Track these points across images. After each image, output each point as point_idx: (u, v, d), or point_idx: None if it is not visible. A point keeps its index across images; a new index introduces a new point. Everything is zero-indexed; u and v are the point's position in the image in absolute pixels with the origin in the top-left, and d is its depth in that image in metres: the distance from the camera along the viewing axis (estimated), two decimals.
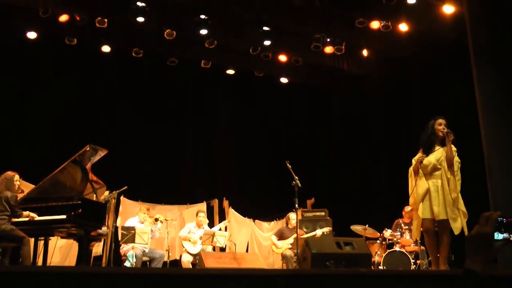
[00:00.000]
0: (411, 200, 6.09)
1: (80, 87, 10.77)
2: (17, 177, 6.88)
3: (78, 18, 9.71)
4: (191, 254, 9.14)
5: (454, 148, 5.88)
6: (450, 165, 5.84)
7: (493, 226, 1.74)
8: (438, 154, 5.88)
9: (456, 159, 5.88)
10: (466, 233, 5.73)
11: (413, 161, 6.08)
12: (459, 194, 5.84)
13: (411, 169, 6.10)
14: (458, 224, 5.78)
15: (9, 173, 6.83)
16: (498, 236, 1.77)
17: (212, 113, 12.76)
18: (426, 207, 5.86)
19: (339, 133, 12.84)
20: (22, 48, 10.14)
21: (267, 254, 10.92)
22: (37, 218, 6.67)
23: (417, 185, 5.94)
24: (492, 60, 6.53)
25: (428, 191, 5.87)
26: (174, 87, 12.09)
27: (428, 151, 5.94)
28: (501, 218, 1.78)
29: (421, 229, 6.02)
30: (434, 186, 5.87)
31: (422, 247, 8.12)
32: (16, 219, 6.61)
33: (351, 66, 11.73)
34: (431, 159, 5.88)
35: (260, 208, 11.65)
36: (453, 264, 7.76)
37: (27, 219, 6.64)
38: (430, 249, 6.10)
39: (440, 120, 6.01)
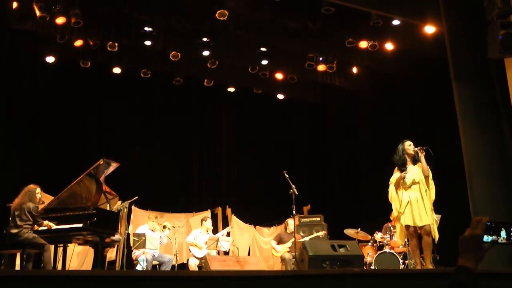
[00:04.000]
0: (395, 211, 6.40)
1: (93, 105, 10.82)
2: (38, 189, 6.88)
3: (91, 43, 9.77)
4: (197, 258, 9.13)
5: None
6: (426, 176, 6.24)
7: (483, 229, 1.82)
8: (414, 173, 6.28)
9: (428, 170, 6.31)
10: (436, 238, 6.18)
11: (392, 181, 6.43)
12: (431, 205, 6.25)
13: (392, 187, 6.43)
14: (434, 231, 6.19)
15: (32, 186, 6.83)
16: (488, 238, 1.85)
17: (216, 128, 12.78)
18: (408, 216, 6.17)
19: (333, 144, 12.85)
20: (42, 71, 10.24)
21: (267, 257, 10.89)
22: (56, 226, 6.69)
23: (399, 197, 6.31)
24: (470, 74, 6.60)
25: (409, 202, 6.20)
26: (180, 104, 12.12)
27: (403, 169, 6.34)
28: (489, 223, 1.86)
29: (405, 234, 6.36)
30: (414, 197, 6.20)
31: (410, 248, 8.14)
32: (38, 228, 6.64)
33: (343, 82, 11.79)
34: (409, 177, 6.27)
35: (260, 214, 11.63)
36: (438, 263, 7.79)
37: (46, 227, 6.67)
38: (415, 251, 6.34)
39: (408, 142, 6.45)
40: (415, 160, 6.33)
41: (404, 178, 6.25)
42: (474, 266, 1.76)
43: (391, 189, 6.42)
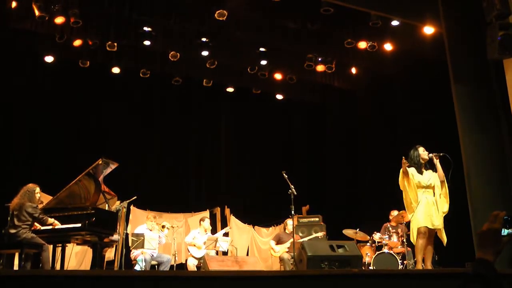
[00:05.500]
0: (409, 210, 6.57)
1: (92, 105, 10.81)
2: (37, 189, 6.83)
3: (90, 43, 9.78)
4: (196, 258, 9.12)
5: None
6: (442, 181, 6.55)
7: (501, 223, 1.88)
8: (430, 176, 6.56)
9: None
10: (444, 241, 6.44)
11: (403, 172, 6.55)
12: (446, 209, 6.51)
13: (403, 178, 6.54)
14: (443, 233, 6.46)
15: (31, 185, 6.78)
16: (505, 232, 1.90)
17: (215, 128, 12.79)
18: (427, 217, 6.37)
19: (332, 145, 12.85)
20: (41, 70, 10.25)
21: (266, 257, 10.89)
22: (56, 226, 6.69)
23: (415, 198, 6.48)
24: (469, 74, 6.59)
25: (426, 204, 6.42)
26: (179, 104, 12.12)
27: (420, 171, 6.59)
28: (507, 217, 1.91)
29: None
30: (431, 200, 6.46)
31: (409, 248, 8.17)
32: (39, 227, 6.63)
33: (341, 83, 11.81)
34: (425, 178, 6.54)
35: (259, 215, 11.63)
36: (437, 263, 7.80)
37: (50, 227, 6.66)
38: (421, 251, 6.43)
39: (421, 148, 6.72)
40: (427, 166, 6.66)
41: (409, 168, 6.46)
42: (493, 259, 1.81)
43: (400, 177, 6.55)
